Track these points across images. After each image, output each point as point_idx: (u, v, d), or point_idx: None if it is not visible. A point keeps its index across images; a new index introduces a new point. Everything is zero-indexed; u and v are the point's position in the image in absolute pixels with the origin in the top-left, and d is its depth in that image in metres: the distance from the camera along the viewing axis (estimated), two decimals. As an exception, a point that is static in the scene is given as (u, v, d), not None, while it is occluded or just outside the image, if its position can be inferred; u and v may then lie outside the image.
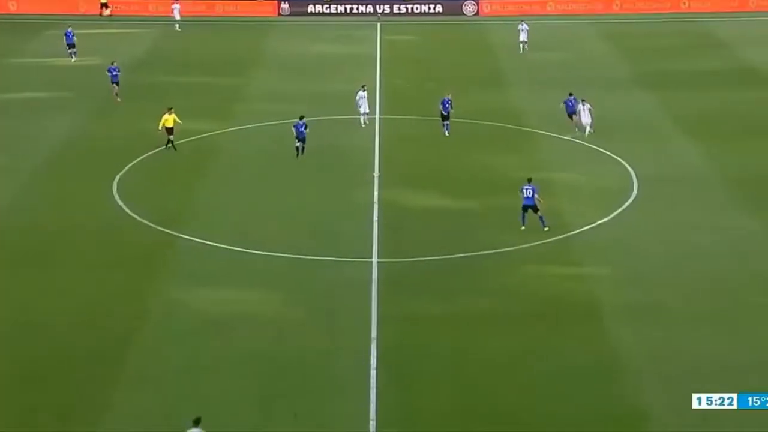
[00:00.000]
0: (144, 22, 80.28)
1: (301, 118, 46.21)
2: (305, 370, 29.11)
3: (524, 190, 38.59)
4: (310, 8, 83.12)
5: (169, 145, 47.17)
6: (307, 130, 45.96)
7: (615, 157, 47.33)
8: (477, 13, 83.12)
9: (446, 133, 50.06)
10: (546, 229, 38.29)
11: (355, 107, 51.66)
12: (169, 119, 46.91)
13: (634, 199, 42.22)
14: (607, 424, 26.77)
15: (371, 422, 26.76)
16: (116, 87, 55.25)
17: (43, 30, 75.45)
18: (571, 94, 49.98)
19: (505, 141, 50.69)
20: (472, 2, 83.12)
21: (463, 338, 31.32)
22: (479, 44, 73.50)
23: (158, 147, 47.91)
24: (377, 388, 28.25)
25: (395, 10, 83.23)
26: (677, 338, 31.19)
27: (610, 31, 76.69)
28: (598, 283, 35.05)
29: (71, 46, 65.72)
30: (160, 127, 46.84)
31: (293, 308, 33.30)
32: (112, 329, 31.69)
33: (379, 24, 79.22)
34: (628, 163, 46.29)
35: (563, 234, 38.84)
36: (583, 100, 49.38)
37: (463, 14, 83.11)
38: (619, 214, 40.80)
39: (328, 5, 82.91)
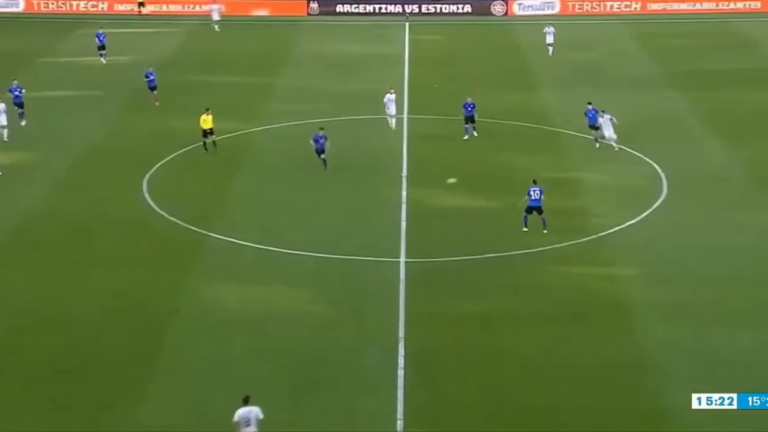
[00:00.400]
0: (177, 21, 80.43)
1: (321, 129, 45.05)
2: (334, 367, 29.08)
3: (532, 192, 38.29)
4: (339, 8, 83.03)
5: (207, 144, 46.89)
6: (327, 142, 44.46)
7: (644, 157, 46.97)
8: (506, 14, 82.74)
9: (466, 136, 49.48)
10: (545, 231, 38.06)
11: (383, 109, 51.37)
12: (207, 120, 46.69)
13: (664, 200, 41.90)
14: (636, 422, 26.61)
15: (399, 421, 26.68)
16: (154, 92, 54.80)
17: (77, 29, 75.68)
18: (589, 104, 48.69)
19: (534, 141, 50.40)
20: (501, 2, 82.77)
21: (491, 337, 31.24)
22: (508, 44, 73.19)
23: (187, 146, 47.96)
24: (405, 386, 28.17)
25: (424, 9, 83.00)
26: (706, 338, 30.98)
27: (640, 31, 76.21)
28: (628, 283, 34.83)
29: (102, 47, 65.66)
30: (200, 127, 46.69)
31: (322, 306, 33.28)
32: (144, 324, 31.83)
33: (407, 24, 79.03)
34: (657, 163, 45.93)
35: (593, 234, 38.60)
36: (603, 111, 47.84)
37: (492, 14, 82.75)
38: (648, 214, 40.50)
39: (356, 5, 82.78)
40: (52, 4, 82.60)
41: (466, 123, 49.66)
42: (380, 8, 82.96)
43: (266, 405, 26.81)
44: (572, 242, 37.92)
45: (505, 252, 37.11)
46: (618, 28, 78.19)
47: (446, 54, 70.33)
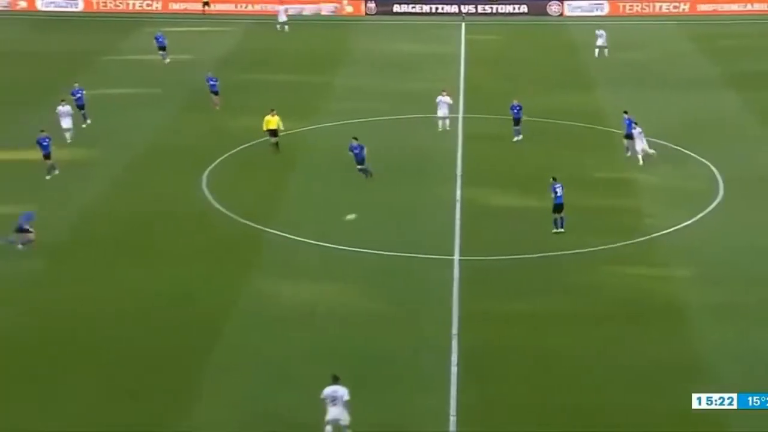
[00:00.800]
0: (237, 20, 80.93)
1: (355, 138, 43.83)
2: (388, 364, 29.11)
3: (556, 189, 38.08)
4: (396, 8, 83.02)
5: (274, 145, 46.77)
6: (365, 151, 43.33)
7: (699, 158, 46.41)
8: (561, 14, 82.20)
9: (516, 137, 49.04)
10: (562, 231, 37.84)
11: (435, 110, 51.15)
12: (272, 121, 46.68)
13: (720, 201, 41.38)
14: (686, 423, 26.30)
15: (452, 418, 26.64)
16: (216, 97, 54.51)
17: (140, 27, 76.45)
18: (625, 113, 47.57)
19: (588, 141, 50.01)
20: (557, 3, 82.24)
21: (543, 336, 31.10)
22: (563, 45, 72.69)
23: (245, 143, 48.24)
24: (458, 384, 28.14)
25: (480, 10, 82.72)
26: (760, 339, 30.56)
27: (692, 32, 75.29)
28: (681, 284, 34.52)
29: (162, 48, 66.03)
30: (264, 128, 46.77)
31: (376, 303, 33.33)
32: (202, 319, 32.08)
33: (463, 24, 78.80)
34: (713, 164, 45.37)
35: (646, 235, 38.23)
36: (635, 123, 46.09)
37: (548, 14, 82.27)
38: (704, 215, 40.01)
39: (413, 5, 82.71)
40: (110, 3, 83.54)
41: (516, 125, 49.22)
42: (437, 8, 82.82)
43: (315, 408, 27.02)
44: (625, 243, 37.59)
45: (558, 251, 36.91)
46: (670, 28, 77.35)
47: (502, 54, 70.01)
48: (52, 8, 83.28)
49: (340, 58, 68.01)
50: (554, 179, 38.45)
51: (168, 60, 65.63)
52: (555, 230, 37.98)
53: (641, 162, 45.03)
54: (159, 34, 67.09)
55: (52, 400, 27.62)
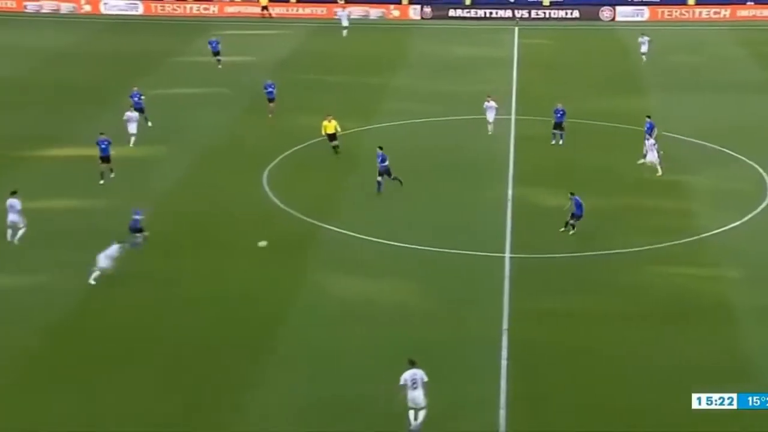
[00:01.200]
0: (298, 24, 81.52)
1: (381, 148, 42.43)
2: (441, 357, 29.15)
3: (577, 202, 37.66)
4: (452, 12, 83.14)
5: (335, 149, 46.71)
6: (387, 162, 42.02)
7: (748, 161, 46.02)
8: (613, 19, 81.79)
9: (558, 142, 48.58)
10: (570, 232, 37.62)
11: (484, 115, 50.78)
12: (329, 126, 46.75)
13: None
14: (734, 423, 26.05)
15: (501, 410, 26.76)
16: (272, 105, 53.85)
17: (205, 31, 77.27)
18: (648, 117, 47.20)
19: (637, 143, 49.62)
20: (609, 8, 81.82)
21: (593, 333, 31.08)
22: (615, 49, 72.30)
23: (305, 142, 48.69)
24: (507, 378, 28.25)
25: (533, 15, 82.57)
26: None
27: (747, 37, 74.49)
28: (729, 285, 34.27)
29: (216, 53, 65.54)
30: (323, 133, 46.90)
31: (430, 298, 33.52)
32: (262, 311, 32.46)
33: (517, 28, 78.67)
34: (761, 166, 44.95)
35: (695, 236, 38.03)
36: (649, 134, 45.39)
37: (600, 19, 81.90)
38: (752, 217, 39.70)
39: (468, 10, 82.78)
40: (168, 7, 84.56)
41: (555, 129, 48.84)
42: (491, 13, 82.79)
43: (376, 393, 27.35)
44: (673, 243, 37.43)
45: (607, 251, 36.86)
46: (713, 33, 76.59)
47: (553, 58, 69.83)
48: (114, 11, 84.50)
49: (397, 61, 68.24)
50: (572, 194, 38.03)
51: (220, 66, 65.10)
52: (562, 229, 37.91)
53: (660, 172, 43.99)
54: (213, 39, 66.83)
55: (117, 387, 28.16)
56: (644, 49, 66.39)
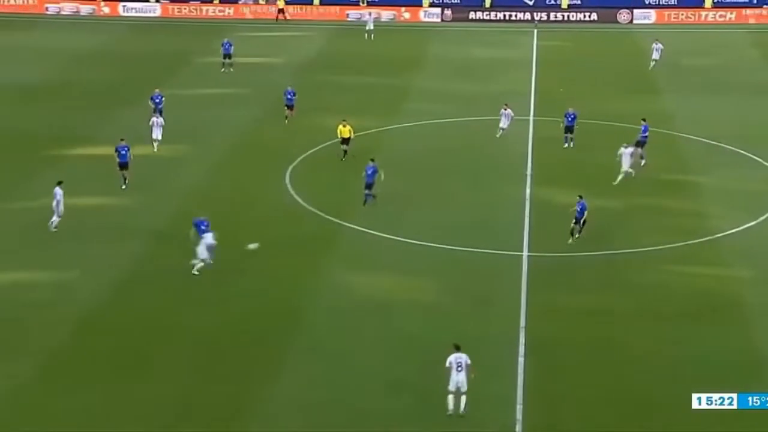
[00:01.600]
0: (315, 25, 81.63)
1: (372, 160, 41.26)
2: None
3: (581, 207, 36.98)
4: (471, 15, 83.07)
5: (345, 154, 46.41)
6: (376, 175, 40.52)
7: (763, 162, 45.81)
8: (631, 21, 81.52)
9: (568, 145, 48.17)
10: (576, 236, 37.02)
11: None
12: (344, 130, 46.58)
13: (781, 204, 40.95)
14: (747, 419, 25.88)
15: (518, 406, 26.80)
16: (290, 111, 52.33)
17: (224, 33, 77.40)
18: (644, 120, 46.63)
19: (652, 144, 49.41)
20: (627, 11, 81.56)
21: (609, 331, 31.07)
22: (632, 51, 72.03)
23: (326, 142, 48.76)
24: (525, 374, 28.27)
25: (552, 17, 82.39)
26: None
27: (760, 40, 74.09)
28: (743, 285, 34.20)
29: (227, 56, 64.22)
30: (339, 136, 46.61)
31: (448, 295, 33.58)
32: (284, 308, 32.56)
33: (536, 30, 78.54)
34: (774, 168, 44.93)
35: (709, 236, 37.92)
36: (626, 144, 43.60)
37: (618, 22, 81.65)
38: (766, 218, 39.50)
39: (488, 12, 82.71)
40: (185, 8, 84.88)
41: (566, 132, 48.34)
42: (510, 15, 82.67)
43: (392, 387, 27.50)
44: (687, 242, 37.36)
45: (622, 250, 36.81)
46: (740, 36, 76.21)
47: (572, 60, 69.66)
48: (132, 14, 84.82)
49: (419, 62, 68.22)
50: (580, 197, 37.48)
51: (230, 70, 63.90)
52: (570, 241, 36.95)
53: (620, 178, 42.56)
54: (226, 41, 65.55)
55: (144, 378, 28.36)
56: (656, 55, 64.79)
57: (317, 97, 56.85)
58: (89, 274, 34.97)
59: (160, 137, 47.55)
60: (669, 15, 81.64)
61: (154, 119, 48.10)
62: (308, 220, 40.07)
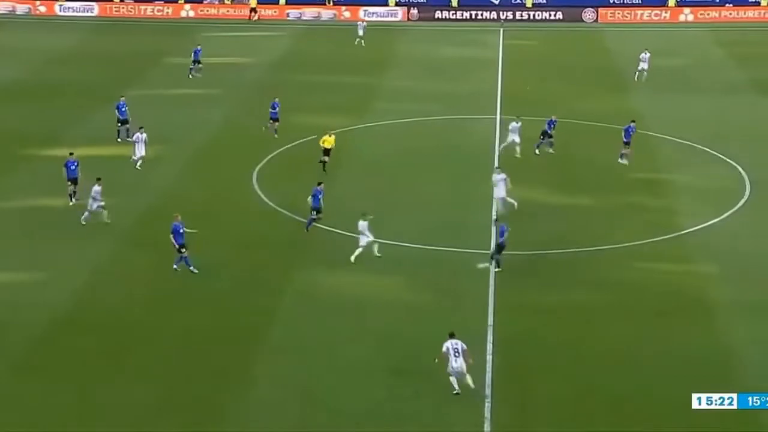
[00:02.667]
0: (285, 25, 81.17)
1: (319, 184, 38.79)
2: (428, 350, 28.68)
3: (502, 231, 34.66)
4: (438, 14, 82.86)
5: (323, 163, 44.61)
6: (321, 196, 38.16)
7: (729, 160, 45.91)
8: (596, 20, 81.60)
9: (549, 150, 46.76)
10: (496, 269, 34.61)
11: (507, 135, 47.03)
12: (329, 140, 45.18)
13: (746, 201, 40.98)
14: (747, 419, 25.47)
15: (487, 403, 26.58)
16: (275, 123, 49.90)
17: (193, 32, 76.89)
18: (633, 122, 46.23)
19: (620, 142, 49.46)
20: (592, 10, 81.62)
21: (577, 328, 30.95)
22: (598, 50, 72.13)
23: (294, 141, 48.34)
24: (493, 371, 28.07)
25: (517, 16, 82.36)
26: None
27: (724, 39, 74.39)
28: (709, 280, 34.23)
29: (197, 62, 62.34)
30: (321, 143, 45.10)
31: (418, 294, 33.36)
32: (253, 307, 32.20)
33: (501, 29, 78.45)
34: (741, 166, 44.84)
35: (676, 232, 37.89)
36: (499, 168, 41.09)
37: (583, 21, 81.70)
38: (731, 214, 39.63)
39: (454, 11, 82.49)
40: (123, 8, 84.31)
41: (543, 137, 46.76)
42: (476, 14, 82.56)
43: (365, 383, 27.28)
44: (656, 239, 37.30)
45: (591, 247, 36.68)
46: (703, 35, 76.50)
47: (538, 59, 69.59)
48: (69, 13, 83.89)
49: (387, 61, 67.92)
50: (497, 220, 36.26)
51: (198, 75, 62.04)
52: (496, 269, 34.47)
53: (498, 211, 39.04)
54: (198, 48, 63.64)
55: (118, 378, 27.96)
56: (644, 65, 61.07)
57: (284, 97, 56.15)
58: (62, 274, 34.55)
59: (144, 153, 44.82)
60: (638, 14, 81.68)
61: (137, 135, 45.11)
62: (276, 219, 39.68)
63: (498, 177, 39.61)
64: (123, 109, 49.33)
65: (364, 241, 35.17)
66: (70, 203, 40.34)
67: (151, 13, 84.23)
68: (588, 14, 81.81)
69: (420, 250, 36.38)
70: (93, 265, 35.25)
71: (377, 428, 25.78)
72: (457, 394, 26.42)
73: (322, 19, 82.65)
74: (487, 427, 25.67)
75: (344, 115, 53.16)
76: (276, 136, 49.81)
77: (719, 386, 26.71)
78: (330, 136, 45.35)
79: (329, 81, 62.01)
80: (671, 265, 35.48)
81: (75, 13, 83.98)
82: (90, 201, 38.20)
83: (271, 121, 49.92)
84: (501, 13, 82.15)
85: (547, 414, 26.42)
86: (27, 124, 52.19)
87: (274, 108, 50.06)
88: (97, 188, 38.11)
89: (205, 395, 27.14)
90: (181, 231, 34.67)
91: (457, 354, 26.48)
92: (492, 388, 27.24)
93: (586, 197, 41.66)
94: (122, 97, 50.67)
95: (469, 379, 26.57)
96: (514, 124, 46.53)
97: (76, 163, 40.87)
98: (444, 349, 26.64)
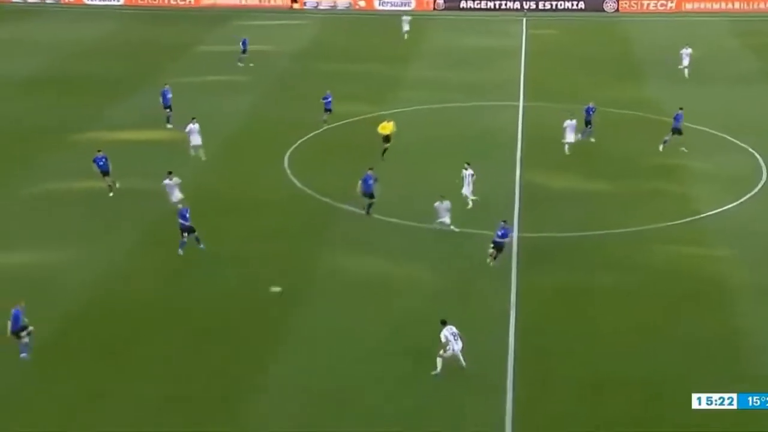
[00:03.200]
0: (325, 14, 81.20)
1: (371, 168, 38.60)
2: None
3: (504, 232, 34.01)
4: (463, 3, 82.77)
5: (385, 152, 43.97)
6: (377, 183, 38.16)
7: (747, 147, 45.74)
8: (617, 10, 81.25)
9: (591, 139, 46.71)
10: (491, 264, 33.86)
11: (562, 134, 45.44)
12: (387, 126, 44.85)
13: (763, 186, 40.88)
14: (747, 419, 25.13)
15: (509, 383, 26.72)
16: (327, 114, 49.63)
17: (233, 21, 77.16)
18: (681, 109, 45.71)
19: (641, 129, 49.47)
20: (613, 0, 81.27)
21: (595, 309, 30.97)
22: (617, 40, 71.79)
23: (323, 128, 48.56)
24: (515, 351, 28.16)
25: (540, 6, 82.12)
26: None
27: (740, 29, 73.85)
28: (724, 263, 34.15)
29: (244, 52, 62.64)
30: (380, 130, 44.85)
31: (442, 275, 33.42)
32: (283, 287, 32.21)
33: (524, 19, 78.22)
34: (759, 153, 44.68)
35: (693, 216, 37.85)
36: (468, 164, 39.18)
37: (604, 11, 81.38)
38: (747, 200, 39.49)
39: (479, 1, 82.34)
40: None
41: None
42: (500, 4, 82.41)
43: (387, 362, 27.42)
44: (673, 222, 37.29)
45: (610, 230, 36.70)
46: (719, 25, 75.96)
47: (560, 47, 69.39)
48: (96, 2, 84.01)
49: (413, 50, 67.79)
50: (505, 221, 34.68)
51: (240, 65, 62.31)
52: (491, 263, 33.72)
53: (469, 204, 38.48)
54: (245, 38, 63.80)
55: (148, 360, 28.30)
56: (685, 61, 59.35)
57: (315, 84, 56.45)
58: (94, 251, 34.91)
59: (200, 142, 44.38)
60: (647, 5, 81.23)
61: (190, 126, 44.56)
62: (305, 202, 39.82)
63: (466, 173, 38.85)
64: (168, 96, 49.75)
65: (443, 220, 35.81)
66: (110, 195, 40.09)
67: (175, 3, 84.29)
68: (609, 4, 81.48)
69: (443, 233, 36.52)
70: (121, 247, 35.47)
71: (399, 407, 25.81)
72: (436, 375, 26.68)
73: (339, 8, 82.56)
74: (508, 406, 25.78)
75: (369, 103, 53.19)
76: (326, 123, 49.41)
77: (735, 368, 26.86)
78: (388, 122, 44.84)
79: (356, 69, 61.87)
80: (687, 248, 35.38)
81: (103, 2, 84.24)
82: (170, 197, 37.46)
83: (325, 111, 49.49)
84: (524, 2, 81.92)
85: (567, 393, 26.43)
86: (65, 112, 52.56)
87: (326, 99, 49.63)
88: (168, 182, 37.51)
89: (226, 378, 27.28)
90: (187, 215, 34.64)
91: (456, 338, 26.90)
92: (513, 368, 27.36)
93: (603, 182, 41.62)
94: (166, 84, 51.14)
95: (462, 360, 26.89)
96: (568, 122, 45.28)
97: (104, 159, 40.46)
98: (443, 338, 26.80)
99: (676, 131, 45.23)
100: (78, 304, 31.51)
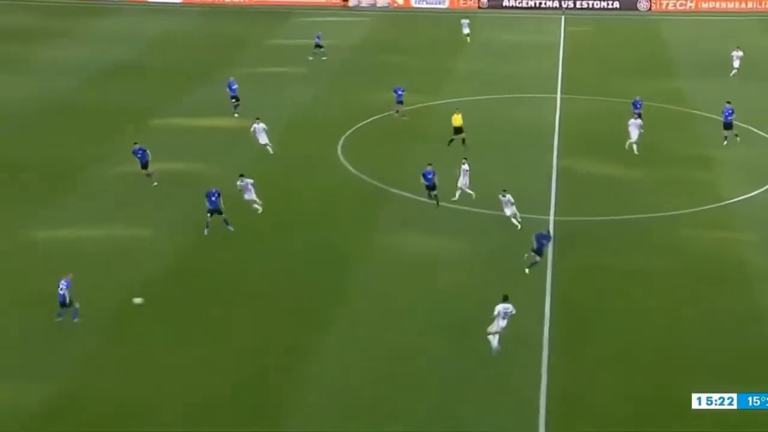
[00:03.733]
0: (376, 12, 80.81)
1: (429, 164, 37.29)
2: (489, 307, 28.77)
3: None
4: (506, 2, 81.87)
5: (452, 141, 42.96)
6: (435, 177, 37.03)
7: (771, 138, 44.87)
8: (650, 9, 79.80)
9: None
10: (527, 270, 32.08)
11: (627, 132, 43.55)
12: (457, 118, 44.02)
13: (792, 177, 40.05)
14: (747, 419, 24.10)
15: (544, 361, 26.45)
16: (399, 105, 48.43)
17: (292, 18, 77.07)
18: (728, 103, 44.49)
19: (672, 120, 48.59)
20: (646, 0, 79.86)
21: (629, 290, 30.56)
22: (651, 37, 70.48)
23: (375, 116, 48.31)
24: (550, 331, 27.86)
25: (578, 5, 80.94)
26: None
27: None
28: (748, 248, 33.55)
29: (319, 46, 61.88)
30: (452, 124, 43.88)
31: (481, 256, 33.20)
32: (335, 265, 32.39)
33: (563, 17, 77.13)
34: (787, 145, 43.87)
35: (719, 203, 37.15)
36: (465, 159, 38.46)
37: (638, 9, 79.99)
38: (771, 188, 38.71)
39: (521, 0, 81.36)
40: None
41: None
42: (540, 3, 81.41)
43: (430, 339, 27.36)
44: (701, 208, 36.71)
45: (643, 214, 36.14)
46: (751, 24, 74.25)
47: (596, 44, 68.34)
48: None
49: (460, 45, 67.14)
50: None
51: (311, 58, 61.71)
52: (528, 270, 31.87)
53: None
54: (319, 34, 63.55)
55: (219, 329, 28.50)
56: (736, 63, 56.53)
57: (368, 75, 56.32)
58: (165, 232, 35.06)
59: (267, 140, 43.07)
60: (672, 4, 79.60)
61: (255, 126, 43.11)
62: (357, 185, 39.71)
63: (463, 167, 37.86)
64: (233, 87, 49.45)
65: (508, 212, 34.64)
66: (154, 185, 39.00)
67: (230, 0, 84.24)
68: (642, 3, 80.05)
69: (485, 215, 36.19)
70: (192, 226, 35.30)
71: (441, 380, 25.65)
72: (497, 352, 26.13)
73: (378, 6, 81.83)
74: (543, 377, 25.62)
75: (420, 93, 52.79)
76: (396, 115, 48.48)
77: (750, 340, 26.57)
78: (458, 113, 43.90)
79: (408, 63, 61.25)
80: (713, 232, 34.81)
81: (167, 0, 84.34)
82: (246, 195, 36.35)
83: (397, 104, 48.59)
84: (563, 1, 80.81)
85: (600, 368, 26.12)
86: (137, 99, 52.77)
87: (396, 92, 48.67)
88: (240, 183, 36.12)
89: (280, 347, 27.34)
90: (213, 198, 34.01)
91: (505, 317, 26.21)
92: (549, 345, 27.11)
93: (635, 169, 40.99)
94: (232, 76, 50.99)
95: (497, 340, 26.31)
96: (633, 121, 43.59)
97: (141, 150, 39.28)
98: (495, 312, 26.27)
99: (727, 126, 43.64)
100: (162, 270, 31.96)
